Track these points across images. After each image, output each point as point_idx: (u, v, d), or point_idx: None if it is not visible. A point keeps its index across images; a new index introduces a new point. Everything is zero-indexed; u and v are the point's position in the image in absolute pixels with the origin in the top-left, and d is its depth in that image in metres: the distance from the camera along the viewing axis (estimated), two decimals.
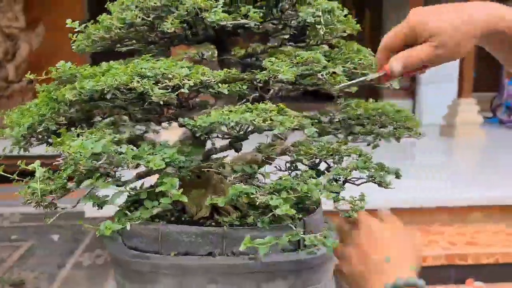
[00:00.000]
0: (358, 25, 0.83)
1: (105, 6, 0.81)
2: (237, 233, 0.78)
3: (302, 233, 0.63)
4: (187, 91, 0.60)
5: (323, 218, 0.94)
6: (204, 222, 0.82)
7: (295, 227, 0.68)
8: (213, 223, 0.82)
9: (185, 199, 0.60)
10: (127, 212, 0.65)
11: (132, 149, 0.58)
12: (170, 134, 0.97)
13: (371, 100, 0.91)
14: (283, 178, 0.63)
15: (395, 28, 0.72)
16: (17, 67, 5.53)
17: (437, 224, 3.21)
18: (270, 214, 0.62)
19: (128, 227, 0.63)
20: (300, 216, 0.82)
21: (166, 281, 0.78)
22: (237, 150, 0.76)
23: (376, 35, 6.93)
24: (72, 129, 0.67)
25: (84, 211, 2.99)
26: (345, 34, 0.87)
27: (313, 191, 0.57)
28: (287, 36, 0.88)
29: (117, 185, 0.67)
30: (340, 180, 0.67)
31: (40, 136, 0.75)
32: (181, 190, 0.66)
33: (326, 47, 0.91)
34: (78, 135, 0.61)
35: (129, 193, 0.69)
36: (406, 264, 0.67)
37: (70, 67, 0.71)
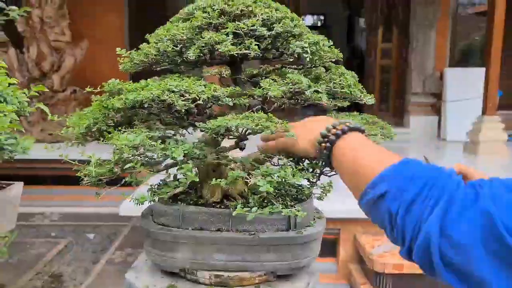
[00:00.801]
0: (341, 54, 1.05)
1: (145, 36, 1.06)
2: (241, 214, 1.01)
3: (281, 208, 0.84)
4: (202, 102, 0.83)
5: (313, 207, 1.15)
6: (215, 205, 1.05)
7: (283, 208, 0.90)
8: (223, 206, 1.04)
9: (196, 179, 0.83)
10: (155, 190, 0.88)
11: (160, 143, 0.82)
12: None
13: (355, 113, 1.12)
14: (269, 167, 0.84)
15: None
16: (62, 78, 5.96)
17: None
18: (260, 195, 0.84)
19: (156, 199, 0.86)
20: (293, 203, 1.03)
21: (183, 248, 1.01)
22: (241, 149, 0.98)
23: (403, 52, 7.07)
24: (118, 129, 0.91)
25: (119, 211, 3.27)
26: (334, 59, 1.09)
27: (288, 176, 0.78)
28: (291, 59, 1.11)
29: (150, 171, 0.91)
30: (316, 172, 0.88)
31: (93, 135, 0.99)
32: (198, 177, 0.89)
33: (322, 69, 1.13)
34: (123, 133, 0.85)
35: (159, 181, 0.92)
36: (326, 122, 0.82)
37: (118, 83, 0.95)
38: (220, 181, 0.84)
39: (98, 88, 0.98)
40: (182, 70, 1.10)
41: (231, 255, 1.01)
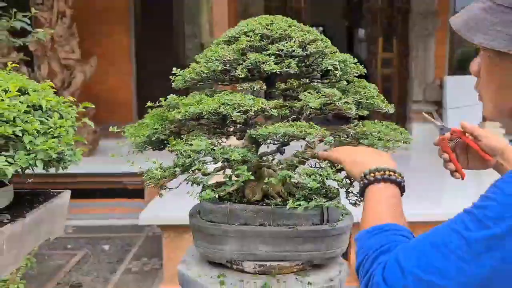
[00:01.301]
0: (364, 70, 1.20)
1: (191, 61, 1.21)
2: (281, 210, 1.15)
3: (324, 202, 0.99)
4: (253, 113, 0.99)
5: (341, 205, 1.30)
6: (258, 203, 1.19)
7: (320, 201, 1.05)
8: (264, 204, 1.19)
9: (252, 177, 0.97)
10: (214, 189, 1.03)
11: (220, 148, 0.97)
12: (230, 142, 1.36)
13: (376, 121, 1.27)
14: (310, 168, 1.00)
15: None
16: (72, 94, 6.13)
17: None
18: (304, 190, 0.99)
19: (216, 196, 1.01)
20: (325, 200, 1.18)
21: (231, 241, 1.15)
22: (281, 153, 1.14)
23: (404, 61, 7.26)
24: (178, 138, 1.06)
25: (138, 220, 3.40)
26: (357, 74, 1.25)
27: (330, 175, 0.93)
28: (320, 75, 1.26)
29: (204, 174, 1.06)
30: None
31: (152, 143, 1.14)
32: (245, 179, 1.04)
33: (344, 83, 1.29)
34: (185, 141, 1.00)
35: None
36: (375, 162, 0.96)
37: (175, 98, 1.11)
38: (271, 180, 0.99)
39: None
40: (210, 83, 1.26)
41: (273, 246, 1.15)
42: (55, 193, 1.58)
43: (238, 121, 1.00)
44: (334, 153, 1.03)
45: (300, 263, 1.20)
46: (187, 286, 1.20)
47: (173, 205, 3.65)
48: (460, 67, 7.67)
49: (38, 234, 1.42)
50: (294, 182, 1.21)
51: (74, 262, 4.25)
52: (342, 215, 1.27)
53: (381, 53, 7.45)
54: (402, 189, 0.95)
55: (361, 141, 1.14)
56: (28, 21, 2.76)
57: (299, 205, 0.99)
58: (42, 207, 1.41)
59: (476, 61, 0.88)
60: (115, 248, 4.63)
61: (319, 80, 1.30)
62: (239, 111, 0.99)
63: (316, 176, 0.95)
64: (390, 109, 1.19)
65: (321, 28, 13.14)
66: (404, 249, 0.76)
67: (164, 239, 3.43)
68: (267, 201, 1.20)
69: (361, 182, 0.95)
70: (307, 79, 1.31)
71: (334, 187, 1.25)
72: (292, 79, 1.35)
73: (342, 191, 1.26)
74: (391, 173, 0.94)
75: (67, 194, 1.63)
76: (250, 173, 0.97)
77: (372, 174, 0.94)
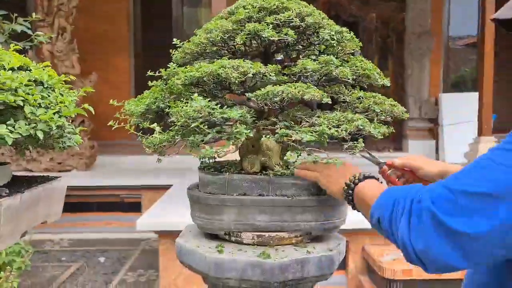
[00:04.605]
0: (360, 43, 1.23)
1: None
2: (279, 180, 1.16)
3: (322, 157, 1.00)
4: (251, 75, 1.01)
5: None
6: (256, 174, 1.20)
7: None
8: (263, 175, 1.19)
9: (250, 134, 0.99)
10: (216, 150, 1.04)
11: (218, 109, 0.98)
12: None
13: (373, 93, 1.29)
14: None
15: None
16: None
17: None
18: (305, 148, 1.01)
19: (216, 156, 1.02)
20: None
21: (230, 211, 1.15)
22: (280, 121, 1.15)
23: (399, 79, 7.36)
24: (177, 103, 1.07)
25: (136, 226, 3.38)
26: (353, 51, 1.27)
27: (325, 129, 0.95)
28: (317, 52, 1.29)
29: (205, 142, 1.07)
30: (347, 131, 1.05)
31: (152, 114, 1.16)
32: (243, 152, 1.06)
33: (342, 61, 1.31)
34: (185, 104, 1.01)
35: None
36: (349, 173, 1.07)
37: (174, 67, 1.13)
38: (269, 138, 1.00)
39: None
40: None
41: (272, 216, 1.15)
42: (53, 177, 1.59)
43: (236, 83, 1.02)
44: (308, 173, 1.11)
45: (299, 234, 1.19)
46: (186, 258, 1.19)
47: (171, 212, 3.63)
48: (454, 87, 7.79)
49: (36, 214, 1.41)
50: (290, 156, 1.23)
51: (68, 274, 4.19)
52: None
53: None
54: None
55: (356, 105, 1.16)
56: (29, 25, 2.80)
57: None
58: (40, 187, 1.41)
59: None
60: (111, 261, 4.57)
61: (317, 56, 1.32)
62: (239, 73, 1.01)
63: (312, 132, 0.96)
64: (387, 82, 1.21)
65: None
66: (450, 177, 0.83)
67: (161, 246, 3.40)
68: (265, 173, 1.21)
69: (346, 191, 1.05)
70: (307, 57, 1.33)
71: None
72: (291, 52, 1.37)
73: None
74: (367, 174, 1.05)
75: (65, 179, 1.63)
76: (249, 131, 0.98)
77: (353, 179, 1.04)
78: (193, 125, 0.96)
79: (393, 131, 1.25)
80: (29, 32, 2.95)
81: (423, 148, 6.91)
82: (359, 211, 1.06)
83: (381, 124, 1.17)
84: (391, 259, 3.09)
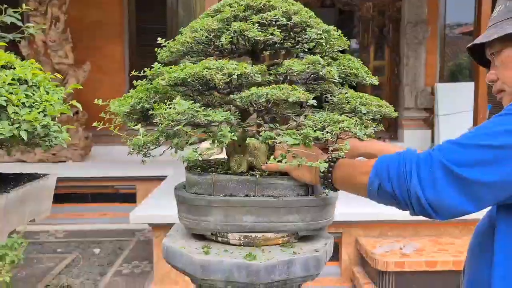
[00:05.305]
0: (348, 42, 1.21)
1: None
2: (266, 181, 1.15)
3: (306, 161, 0.99)
4: (235, 77, 0.99)
5: None
6: (243, 175, 1.19)
7: None
8: (249, 175, 1.19)
9: (235, 137, 0.98)
10: (199, 152, 1.03)
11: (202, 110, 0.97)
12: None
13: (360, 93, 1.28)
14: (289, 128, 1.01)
15: None
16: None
17: (447, 236, 3.46)
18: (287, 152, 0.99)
19: (200, 158, 1.01)
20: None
21: (216, 212, 1.15)
22: (266, 122, 1.14)
23: (395, 69, 7.34)
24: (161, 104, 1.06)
25: (129, 218, 3.38)
26: (341, 49, 1.26)
27: (309, 133, 0.94)
28: (306, 50, 1.27)
29: (190, 144, 1.06)
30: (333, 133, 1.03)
31: (137, 114, 1.14)
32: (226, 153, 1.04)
33: (329, 60, 1.30)
34: (168, 106, 1.00)
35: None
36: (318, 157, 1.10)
37: (159, 67, 1.11)
38: (253, 140, 0.99)
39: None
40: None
41: (258, 216, 1.15)
42: (41, 175, 1.57)
43: (221, 84, 1.00)
44: (279, 164, 1.09)
45: (286, 235, 1.19)
46: (173, 259, 1.18)
47: (165, 204, 3.63)
48: (450, 76, 7.76)
49: (24, 212, 1.40)
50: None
51: (63, 265, 4.20)
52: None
53: (373, 61, 7.52)
54: None
55: (343, 105, 1.15)
56: (19, 17, 2.76)
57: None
58: (28, 185, 1.40)
59: (492, 72, 1.09)
60: (105, 252, 4.58)
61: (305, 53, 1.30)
62: (223, 74, 1.00)
63: (296, 136, 0.95)
64: (374, 80, 1.20)
65: None
66: (460, 136, 0.94)
67: (155, 239, 3.41)
68: (252, 173, 1.20)
69: (324, 175, 1.09)
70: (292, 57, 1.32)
71: None
72: (279, 50, 1.35)
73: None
74: (335, 156, 1.09)
75: (53, 177, 1.62)
76: (233, 134, 0.97)
77: (327, 161, 1.08)
78: (176, 128, 0.95)
79: (382, 129, 1.24)
80: (20, 23, 2.92)
81: (419, 138, 6.92)
82: (339, 190, 1.14)
83: (370, 123, 1.16)
84: (383, 251, 3.11)
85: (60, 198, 5.19)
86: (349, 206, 2.97)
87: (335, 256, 3.59)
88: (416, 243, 3.23)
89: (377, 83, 1.21)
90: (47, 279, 3.91)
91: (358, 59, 1.26)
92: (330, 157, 1.10)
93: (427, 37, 7.11)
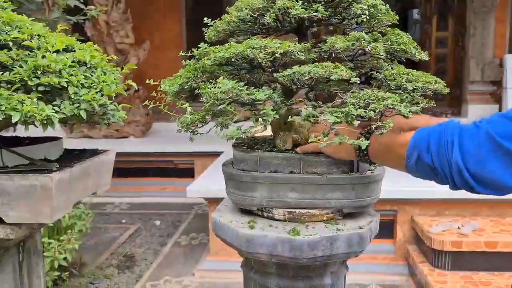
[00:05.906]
0: (397, 16, 1.18)
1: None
2: (310, 158, 1.17)
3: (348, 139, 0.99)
4: (279, 55, 1.00)
5: None
6: (288, 152, 1.21)
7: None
8: (294, 153, 1.20)
9: (277, 116, 0.99)
10: (240, 130, 1.06)
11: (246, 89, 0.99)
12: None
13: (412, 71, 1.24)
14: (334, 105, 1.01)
15: None
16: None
17: (511, 217, 3.31)
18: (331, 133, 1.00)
19: (243, 136, 1.04)
20: None
21: (261, 188, 1.18)
22: (310, 100, 1.14)
23: (460, 40, 6.94)
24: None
25: (186, 192, 3.51)
26: (390, 23, 1.22)
27: (350, 110, 0.94)
28: (352, 27, 1.25)
29: (235, 122, 1.09)
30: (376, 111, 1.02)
31: (185, 93, 1.19)
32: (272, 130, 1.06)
33: (379, 35, 1.27)
34: (213, 85, 1.03)
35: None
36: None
37: (205, 47, 1.14)
38: (296, 118, 1.01)
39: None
40: None
41: (302, 193, 1.17)
42: (102, 151, 1.68)
43: (265, 63, 1.02)
44: (312, 145, 1.11)
45: (330, 211, 1.20)
46: (221, 232, 1.24)
47: (219, 180, 3.74)
48: None
49: (85, 185, 1.51)
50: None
51: (127, 235, 4.46)
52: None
53: (435, 32, 7.15)
54: None
55: (389, 82, 1.13)
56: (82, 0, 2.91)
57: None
58: (89, 161, 1.50)
59: None
60: (165, 224, 4.81)
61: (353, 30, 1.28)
62: (266, 53, 1.01)
63: (338, 114, 0.95)
64: (424, 56, 1.16)
65: None
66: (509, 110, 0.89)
67: (211, 212, 3.53)
68: (297, 150, 1.22)
69: (360, 152, 1.08)
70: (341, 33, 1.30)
71: None
72: (326, 27, 1.34)
73: None
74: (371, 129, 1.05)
75: (112, 152, 1.72)
76: (275, 112, 0.99)
77: (363, 134, 1.06)
78: (220, 106, 0.98)
79: (434, 105, 1.21)
80: (82, 6, 3.07)
81: (485, 113, 6.55)
82: (375, 163, 1.12)
83: (421, 98, 1.13)
84: (440, 230, 3.03)
85: (123, 172, 5.49)
86: (405, 184, 2.91)
87: (390, 233, 3.55)
88: (475, 223, 3.12)
89: (427, 58, 1.17)
90: (113, 247, 4.18)
91: (408, 34, 1.22)
92: (366, 129, 1.08)
93: (497, 5, 6.64)
